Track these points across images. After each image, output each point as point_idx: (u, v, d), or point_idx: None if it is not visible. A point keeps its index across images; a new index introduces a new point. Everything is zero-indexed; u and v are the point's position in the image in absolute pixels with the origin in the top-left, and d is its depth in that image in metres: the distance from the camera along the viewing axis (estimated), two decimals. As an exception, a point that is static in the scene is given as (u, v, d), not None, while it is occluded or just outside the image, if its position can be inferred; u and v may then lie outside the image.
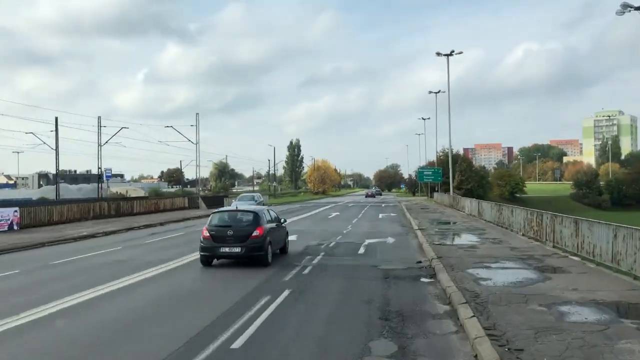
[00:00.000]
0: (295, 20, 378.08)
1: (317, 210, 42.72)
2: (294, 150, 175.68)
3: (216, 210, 16.78)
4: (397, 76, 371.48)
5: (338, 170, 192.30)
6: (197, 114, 51.09)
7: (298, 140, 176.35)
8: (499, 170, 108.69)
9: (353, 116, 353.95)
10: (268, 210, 16.39)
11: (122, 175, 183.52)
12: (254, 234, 13.92)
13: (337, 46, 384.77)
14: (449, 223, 27.26)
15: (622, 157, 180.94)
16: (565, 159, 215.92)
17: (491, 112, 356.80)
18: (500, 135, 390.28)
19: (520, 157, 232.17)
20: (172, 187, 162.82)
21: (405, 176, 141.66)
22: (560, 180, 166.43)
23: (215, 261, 14.47)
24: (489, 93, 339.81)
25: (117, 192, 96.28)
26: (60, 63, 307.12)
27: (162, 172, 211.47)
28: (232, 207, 18.14)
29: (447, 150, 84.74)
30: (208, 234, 14.13)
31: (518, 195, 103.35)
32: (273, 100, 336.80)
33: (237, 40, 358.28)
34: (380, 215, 36.10)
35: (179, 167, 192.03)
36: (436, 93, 76.74)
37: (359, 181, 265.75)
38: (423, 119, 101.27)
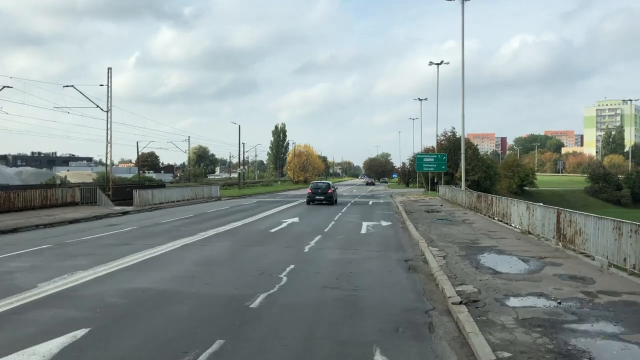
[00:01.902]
0: (292, 6, 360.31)
1: (267, 213, 27.39)
2: (279, 135, 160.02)
3: (313, 182, 43.41)
4: (392, 65, 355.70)
5: (323, 157, 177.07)
6: (109, 68, 35.27)
7: (284, 125, 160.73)
8: (506, 159, 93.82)
9: (346, 105, 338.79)
10: (333, 184, 39.08)
11: (90, 159, 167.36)
12: (329, 191, 34.14)
13: (333, 34, 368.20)
14: (521, 271, 11.61)
15: (626, 148, 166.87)
16: (563, 150, 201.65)
17: (484, 102, 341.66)
18: (492, 126, 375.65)
19: (516, 147, 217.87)
20: (143, 173, 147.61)
21: (397, 165, 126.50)
22: (562, 172, 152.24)
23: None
24: (482, 84, 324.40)
25: (52, 177, 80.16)
26: (52, 45, 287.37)
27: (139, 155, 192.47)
28: None
29: (449, 134, 69.33)
30: (311, 191, 34.78)
31: (527, 188, 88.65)
32: (267, 87, 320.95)
33: (233, 25, 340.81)
34: (364, 228, 20.58)
35: (153, 151, 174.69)
36: (438, 64, 61.53)
37: (349, 170, 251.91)
38: (420, 99, 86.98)
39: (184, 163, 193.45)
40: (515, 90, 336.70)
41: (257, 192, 56.50)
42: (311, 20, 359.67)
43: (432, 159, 52.27)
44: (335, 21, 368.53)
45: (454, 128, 65.52)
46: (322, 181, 42.90)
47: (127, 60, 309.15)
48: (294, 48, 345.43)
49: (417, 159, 53.50)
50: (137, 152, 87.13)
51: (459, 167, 60.34)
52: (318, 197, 34.20)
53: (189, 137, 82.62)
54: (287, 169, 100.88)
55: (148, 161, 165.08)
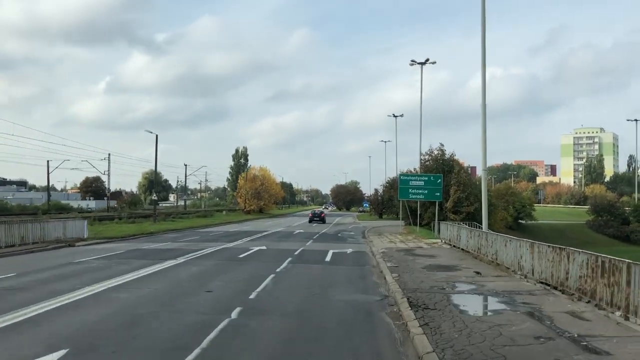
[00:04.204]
0: (267, 36, 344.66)
1: (80, 294, 9.91)
2: (240, 159, 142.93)
3: (312, 209, 72.73)
4: (364, 95, 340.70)
5: (288, 184, 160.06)
6: None
7: (245, 149, 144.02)
8: (498, 186, 78.78)
9: (318, 133, 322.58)
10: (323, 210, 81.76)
11: (24, 183, 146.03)
12: (322, 215, 57.82)
13: (307, 63, 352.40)
14: None
15: (606, 178, 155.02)
16: (538, 180, 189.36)
17: (452, 132, 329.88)
18: (461, 156, 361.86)
19: (488, 176, 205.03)
20: (86, 199, 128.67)
21: (367, 193, 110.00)
22: (542, 203, 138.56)
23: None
24: (452, 114, 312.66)
25: None
26: (21, 68, 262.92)
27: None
28: None
29: (436, 152, 53.00)
30: (311, 214, 58.94)
31: (524, 221, 73.13)
32: (239, 114, 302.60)
33: (207, 52, 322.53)
34: None
35: (99, 177, 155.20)
36: (422, 64, 45.93)
37: (316, 197, 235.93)
38: (395, 115, 71.23)
39: (134, 190, 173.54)
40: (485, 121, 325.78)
41: (173, 227, 38.76)
42: (286, 49, 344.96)
43: (422, 182, 35.67)
44: (310, 51, 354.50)
45: (442, 145, 49.02)
46: (319, 209, 73.25)
47: (97, 86, 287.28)
48: (267, 76, 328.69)
49: (400, 182, 36.67)
50: (47, 173, 68.40)
51: (451, 195, 43.84)
52: (316, 219, 55.07)
53: (109, 154, 64.70)
54: (237, 195, 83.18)
55: (93, 187, 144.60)
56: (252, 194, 75.75)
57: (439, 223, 32.07)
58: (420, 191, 35.50)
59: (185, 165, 76.98)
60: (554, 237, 64.74)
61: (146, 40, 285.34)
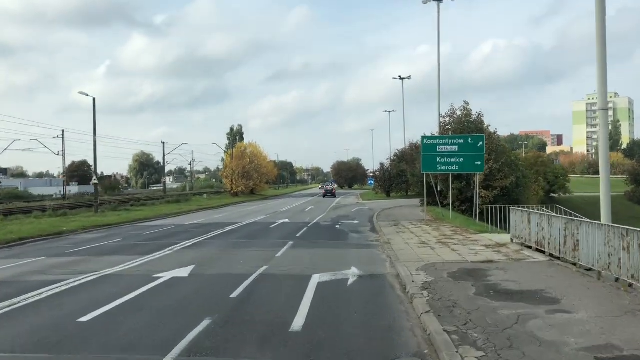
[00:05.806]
0: (266, 15, 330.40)
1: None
2: (235, 138, 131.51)
3: (324, 184, 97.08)
4: (365, 72, 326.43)
5: (288, 163, 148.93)
6: None
7: (240, 127, 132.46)
8: (526, 155, 67.27)
9: (319, 112, 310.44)
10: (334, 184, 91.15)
11: (4, 171, 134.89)
12: (332, 190, 64.22)
13: (307, 42, 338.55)
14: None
15: (623, 145, 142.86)
16: (548, 149, 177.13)
17: (456, 105, 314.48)
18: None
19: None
20: (70, 185, 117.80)
21: (371, 169, 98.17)
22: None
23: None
24: (454, 87, 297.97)
25: None
26: (20, 55, 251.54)
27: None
28: None
29: (459, 114, 41.09)
30: (324, 190, 65.31)
31: (555, 195, 61.70)
32: (240, 95, 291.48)
33: (207, 33, 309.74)
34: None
35: (87, 160, 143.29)
36: (438, 0, 34.22)
37: (317, 175, 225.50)
38: (401, 78, 60.29)
39: (128, 176, 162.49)
40: (486, 94, 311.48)
41: (113, 221, 27.51)
42: (285, 28, 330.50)
43: (456, 147, 24.00)
44: (310, 29, 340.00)
45: (466, 103, 36.95)
46: (330, 184, 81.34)
47: (97, 70, 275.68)
48: (267, 56, 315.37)
49: (423, 148, 24.89)
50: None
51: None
52: (327, 194, 61.09)
53: (63, 131, 53.46)
54: (222, 175, 71.81)
55: (78, 172, 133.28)
56: (239, 174, 64.28)
57: (489, 207, 20.63)
58: (453, 160, 23.96)
59: (163, 143, 65.64)
60: (594, 213, 53.47)
61: (144, 23, 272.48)
